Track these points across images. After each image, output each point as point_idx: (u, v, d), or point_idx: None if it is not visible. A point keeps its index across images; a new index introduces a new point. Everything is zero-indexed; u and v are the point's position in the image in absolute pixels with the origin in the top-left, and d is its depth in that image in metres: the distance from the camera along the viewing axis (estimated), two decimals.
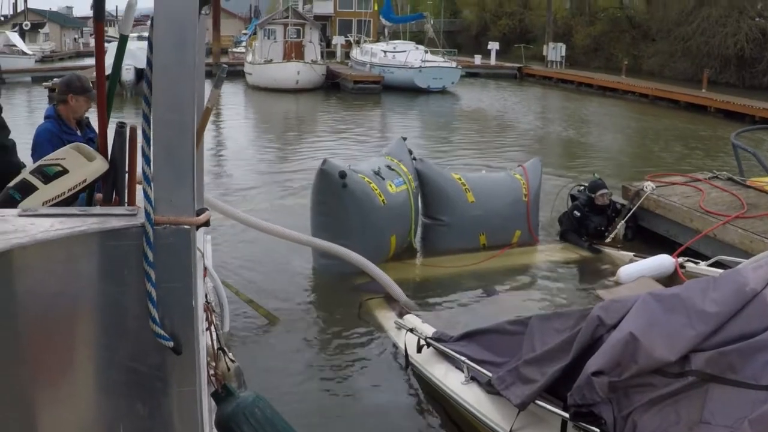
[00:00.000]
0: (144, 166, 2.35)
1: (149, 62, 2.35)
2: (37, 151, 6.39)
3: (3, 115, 4.93)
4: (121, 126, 3.30)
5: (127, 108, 29.55)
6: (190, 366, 2.48)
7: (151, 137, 2.32)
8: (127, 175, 3.36)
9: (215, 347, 4.48)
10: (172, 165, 2.31)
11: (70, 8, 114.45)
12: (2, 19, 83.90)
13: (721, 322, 4.75)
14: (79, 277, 2.30)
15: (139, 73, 35.40)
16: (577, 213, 12.14)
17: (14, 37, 64.12)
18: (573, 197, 12.75)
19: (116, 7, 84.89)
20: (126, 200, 3.34)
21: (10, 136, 4.71)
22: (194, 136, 2.37)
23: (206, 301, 4.42)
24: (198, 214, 2.38)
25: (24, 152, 4.28)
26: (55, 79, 37.75)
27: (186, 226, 2.33)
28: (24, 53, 60.50)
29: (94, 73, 3.76)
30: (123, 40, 3.59)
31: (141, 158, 2.38)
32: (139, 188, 3.26)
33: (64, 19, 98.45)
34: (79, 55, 78.93)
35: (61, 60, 72.25)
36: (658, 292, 5.38)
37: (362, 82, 43.87)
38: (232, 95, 40.63)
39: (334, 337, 8.64)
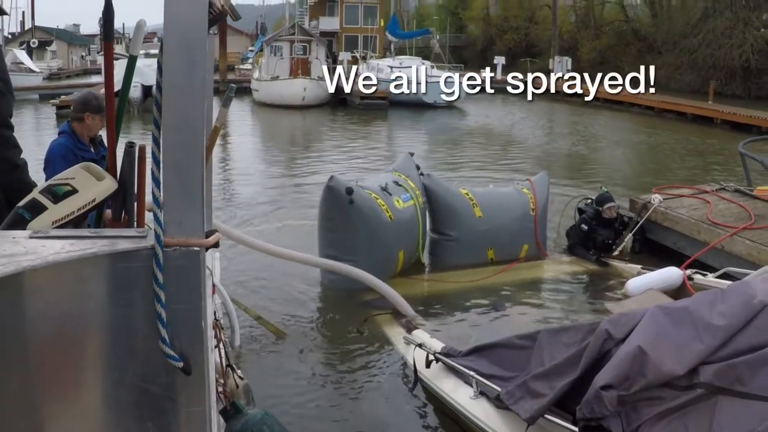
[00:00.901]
0: (154, 188, 2.37)
1: (158, 85, 2.37)
2: (50, 167, 6.42)
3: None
4: (130, 146, 3.32)
5: (134, 125, 29.61)
6: (199, 386, 2.49)
7: (161, 159, 2.34)
8: (136, 194, 3.38)
9: (224, 365, 4.49)
10: (182, 187, 2.33)
11: (77, 26, 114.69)
12: (10, 37, 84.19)
13: (729, 335, 4.74)
14: (89, 299, 2.32)
15: (146, 90, 35.51)
16: (584, 226, 12.15)
17: (22, 55, 64.45)
18: (580, 210, 12.75)
19: (123, 24, 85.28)
20: (135, 219, 3.36)
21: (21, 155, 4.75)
22: (204, 158, 2.39)
23: (215, 319, 4.43)
24: (207, 236, 2.40)
25: (34, 172, 4.31)
26: (63, 96, 37.97)
27: (196, 248, 2.36)
28: (31, 71, 60.80)
29: (101, 91, 3.81)
30: (132, 61, 3.61)
31: (151, 181, 2.40)
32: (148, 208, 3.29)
33: (71, 37, 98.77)
34: (87, 72, 79.12)
35: (69, 77, 72.48)
36: (666, 305, 5.37)
37: (369, 98, 43.84)
38: (238, 112, 40.73)
39: (343, 352, 8.66)
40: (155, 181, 2.37)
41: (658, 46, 61.30)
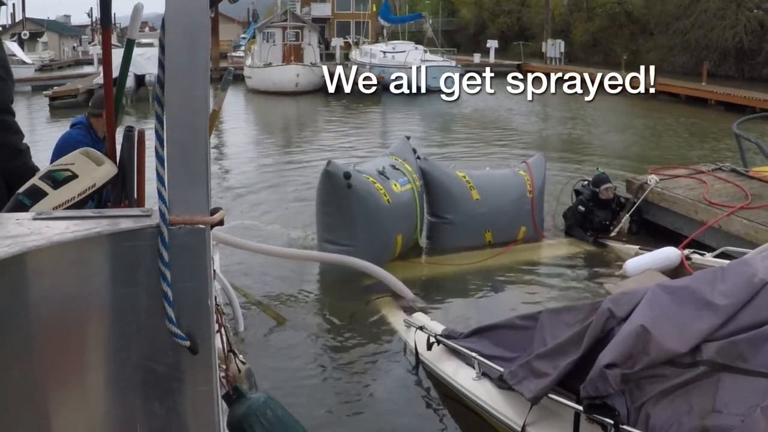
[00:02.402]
0: (158, 166, 2.36)
1: (161, 64, 2.35)
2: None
3: None
4: (129, 130, 3.31)
5: (128, 115, 29.51)
6: (205, 365, 2.48)
7: (165, 138, 2.33)
8: (135, 178, 3.37)
9: (225, 349, 4.49)
10: (187, 165, 2.31)
11: (68, 17, 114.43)
12: (1, 29, 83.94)
13: (730, 313, 4.75)
14: (95, 279, 2.31)
15: (139, 80, 35.48)
16: (581, 208, 12.14)
17: (13, 47, 64.19)
18: (577, 192, 12.74)
19: (114, 14, 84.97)
20: (135, 204, 3.35)
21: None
22: (207, 137, 2.37)
23: (216, 303, 4.42)
24: (212, 214, 2.39)
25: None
26: (55, 87, 37.99)
27: (201, 226, 2.34)
28: (24, 62, 60.66)
29: (95, 81, 3.80)
30: (130, 45, 3.59)
31: (155, 159, 2.38)
32: (147, 191, 3.28)
33: (62, 28, 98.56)
34: (78, 63, 78.70)
35: (61, 68, 72.21)
36: (668, 283, 5.37)
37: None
38: (232, 99, 40.54)
39: (343, 336, 8.65)
40: (159, 159, 2.35)
41: (651, 28, 61.24)
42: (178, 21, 2.29)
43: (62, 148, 6.56)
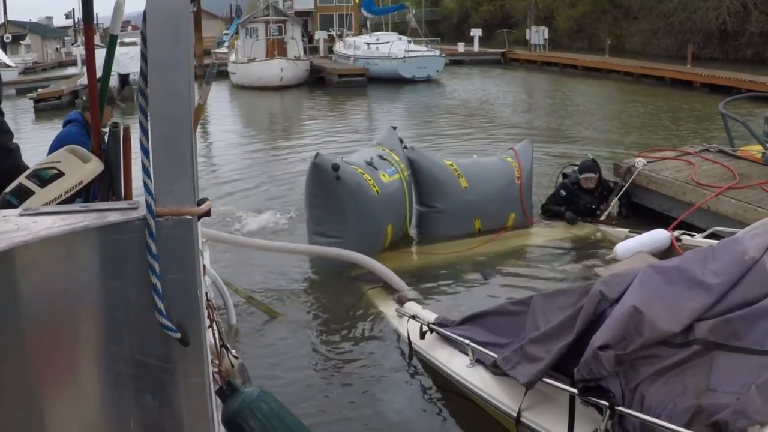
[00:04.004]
0: (143, 158, 2.35)
1: (143, 56, 2.34)
2: None
3: None
4: (114, 126, 3.29)
5: (113, 113, 29.38)
6: (197, 357, 2.48)
7: (149, 129, 2.32)
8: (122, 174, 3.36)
9: (218, 345, 4.48)
10: (171, 156, 2.31)
11: (50, 18, 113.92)
12: None
13: (722, 292, 4.76)
14: (83, 273, 2.30)
15: (123, 79, 35.32)
16: (563, 192, 12.16)
17: None
18: (564, 175, 12.73)
19: (96, 14, 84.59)
20: (123, 200, 3.34)
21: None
22: (191, 127, 2.36)
23: (207, 299, 4.41)
24: (198, 204, 2.38)
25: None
26: (39, 90, 37.80)
27: (188, 217, 2.33)
28: (7, 65, 60.36)
29: (79, 81, 3.79)
30: (112, 41, 3.57)
31: (140, 151, 2.37)
32: (135, 186, 3.27)
33: (44, 30, 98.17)
34: (62, 65, 78.32)
35: (44, 70, 71.90)
36: (658, 264, 5.38)
37: (347, 75, 43.94)
38: (216, 95, 40.50)
39: (336, 328, 8.64)
40: (144, 150, 2.34)
41: (634, 12, 61.21)
42: (160, 13, 2.28)
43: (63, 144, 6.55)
